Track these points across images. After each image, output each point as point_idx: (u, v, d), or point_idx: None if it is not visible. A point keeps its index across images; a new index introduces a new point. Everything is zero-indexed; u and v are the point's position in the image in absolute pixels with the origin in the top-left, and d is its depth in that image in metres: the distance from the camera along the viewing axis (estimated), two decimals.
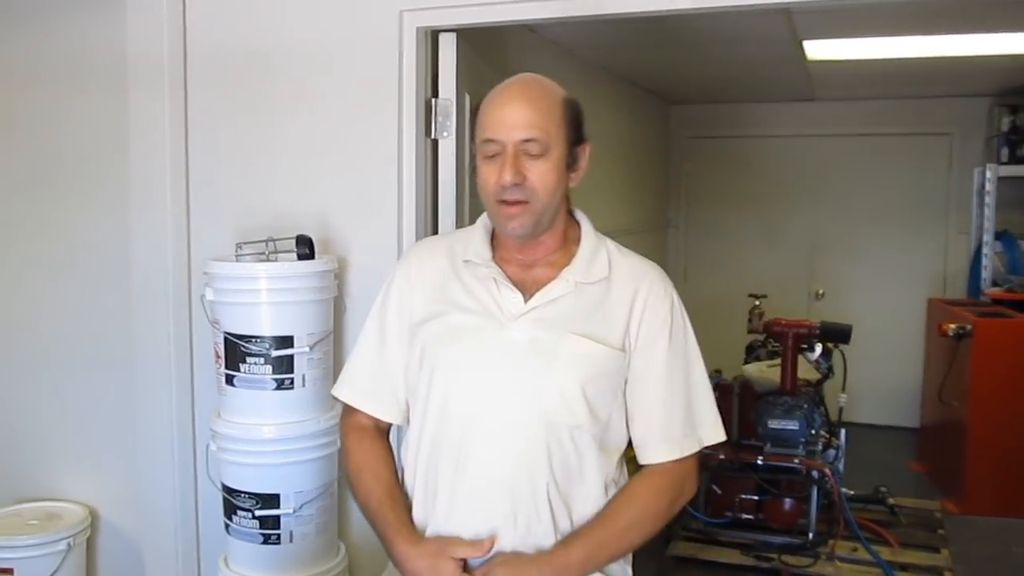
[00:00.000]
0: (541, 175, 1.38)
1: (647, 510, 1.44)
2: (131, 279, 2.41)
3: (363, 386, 1.53)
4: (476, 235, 1.49)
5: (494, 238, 1.49)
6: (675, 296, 1.47)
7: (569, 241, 1.48)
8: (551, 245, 1.46)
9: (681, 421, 1.45)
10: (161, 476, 2.44)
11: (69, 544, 2.50)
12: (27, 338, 2.69)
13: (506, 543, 1.38)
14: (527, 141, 1.37)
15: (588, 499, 1.41)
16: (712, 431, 1.48)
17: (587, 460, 1.40)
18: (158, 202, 2.36)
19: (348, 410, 1.55)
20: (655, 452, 1.44)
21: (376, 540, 1.44)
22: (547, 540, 1.38)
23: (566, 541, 1.39)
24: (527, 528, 1.38)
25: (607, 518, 1.42)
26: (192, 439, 2.42)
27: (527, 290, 1.42)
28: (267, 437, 2.07)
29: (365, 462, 1.49)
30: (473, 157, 1.51)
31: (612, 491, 1.45)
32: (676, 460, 1.45)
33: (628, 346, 1.42)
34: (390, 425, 1.55)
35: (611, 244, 1.50)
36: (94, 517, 2.65)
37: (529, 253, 1.46)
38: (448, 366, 1.42)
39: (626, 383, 1.43)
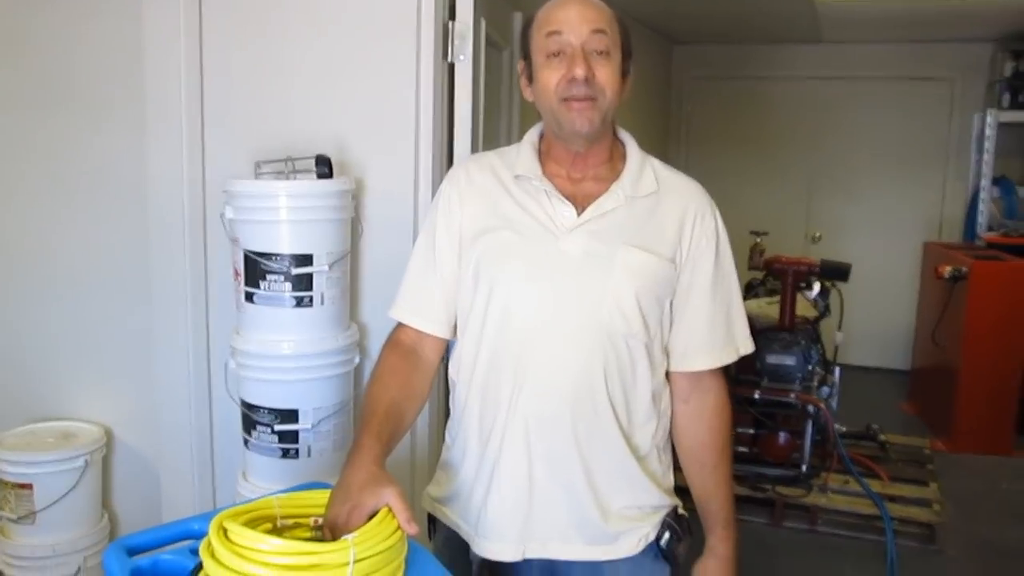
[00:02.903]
0: (608, 74, 1.40)
1: (724, 432, 1.55)
2: (146, 199, 2.42)
3: (409, 300, 1.54)
4: (524, 151, 1.50)
5: (541, 154, 1.51)
6: (718, 213, 1.52)
7: (615, 158, 1.50)
8: (600, 157, 1.48)
9: (723, 332, 1.51)
10: (176, 395, 2.47)
11: (86, 461, 2.55)
12: (41, 260, 2.70)
13: (566, 451, 1.43)
14: (596, 32, 1.38)
15: (640, 406, 1.47)
16: (746, 342, 1.55)
17: (639, 369, 1.45)
18: (173, 123, 2.35)
19: (395, 328, 1.56)
20: (696, 360, 1.50)
21: (392, 460, 1.43)
22: (606, 445, 1.44)
23: (711, 531, 1.55)
24: (587, 434, 1.43)
25: (711, 475, 1.54)
26: (207, 358, 2.45)
27: (578, 204, 1.44)
28: (286, 353, 2.10)
29: (381, 373, 1.50)
30: (519, 75, 1.52)
31: (658, 402, 1.50)
32: (714, 370, 1.52)
33: (678, 259, 1.46)
34: (438, 349, 1.54)
35: (656, 161, 1.53)
36: (109, 437, 2.69)
37: (579, 167, 1.47)
38: (505, 280, 1.44)
39: (673, 295, 1.48)
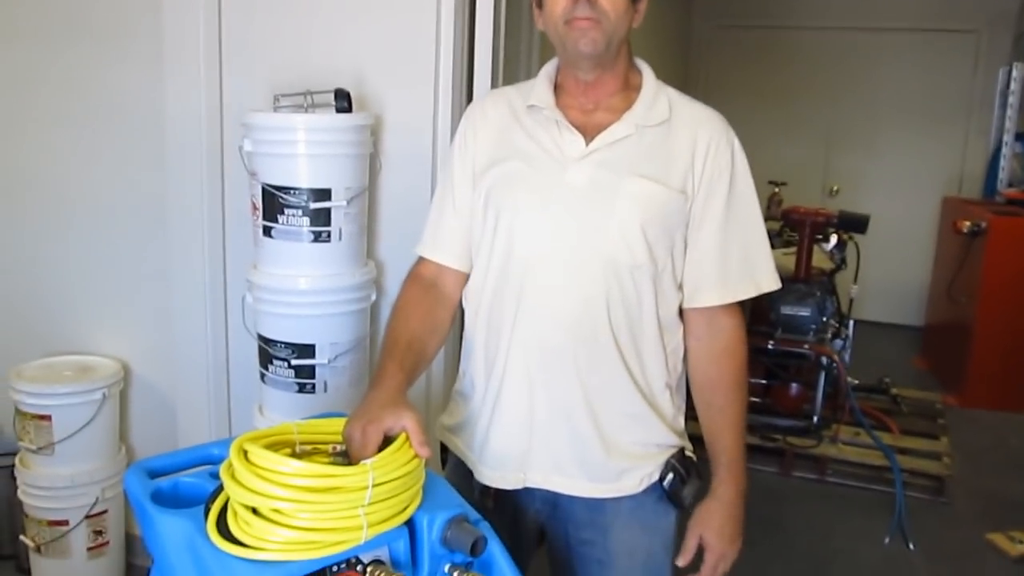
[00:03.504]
0: None
1: (734, 374, 1.51)
2: (164, 132, 2.41)
3: (429, 234, 1.56)
4: (539, 83, 1.49)
5: (556, 87, 1.49)
6: (736, 142, 1.48)
7: (630, 88, 1.48)
8: (611, 87, 1.46)
9: (738, 266, 1.47)
10: (193, 329, 2.48)
11: (104, 395, 2.57)
12: (59, 194, 2.70)
13: (566, 381, 1.43)
14: None
15: (646, 340, 1.45)
16: (769, 277, 1.50)
17: (645, 302, 1.43)
18: (191, 55, 2.33)
19: (416, 262, 1.57)
20: (707, 296, 1.47)
21: (408, 392, 1.43)
22: (609, 378, 1.43)
23: (715, 473, 1.52)
24: (589, 366, 1.42)
25: (718, 416, 1.52)
26: (224, 292, 2.45)
27: (588, 134, 1.43)
28: (303, 288, 2.10)
29: (403, 306, 1.51)
30: (531, 3, 1.49)
31: (667, 337, 1.48)
32: (728, 305, 1.48)
33: (689, 190, 1.43)
34: (458, 283, 1.55)
35: (672, 90, 1.50)
36: (126, 371, 2.71)
37: (591, 97, 1.45)
38: (511, 210, 1.44)
39: (685, 227, 1.45)
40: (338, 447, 1.30)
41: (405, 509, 1.21)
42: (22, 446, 2.58)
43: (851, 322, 4.19)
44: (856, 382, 4.22)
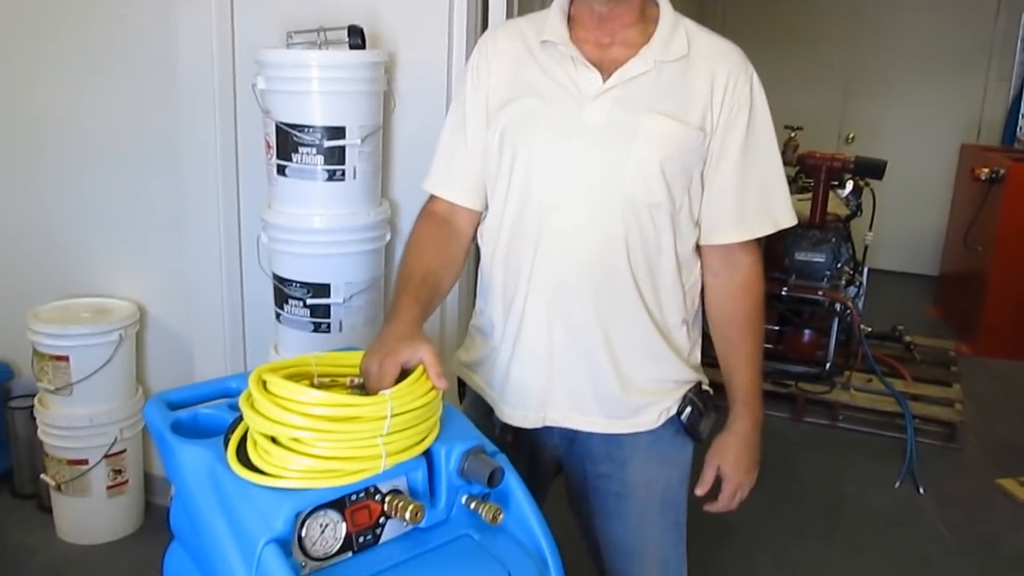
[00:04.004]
0: None
1: (751, 310, 1.53)
2: (176, 72, 2.39)
3: (440, 171, 1.54)
4: (553, 16, 1.45)
5: (570, 20, 1.46)
6: (755, 76, 1.45)
7: (647, 20, 1.44)
8: (627, 19, 1.42)
9: (755, 203, 1.46)
10: (208, 270, 2.48)
11: (120, 336, 2.59)
12: (72, 135, 2.69)
13: (585, 320, 1.42)
14: None
15: (664, 278, 1.45)
16: (786, 214, 1.49)
17: (664, 239, 1.42)
18: None
19: (428, 200, 1.56)
20: (724, 233, 1.46)
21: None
22: (627, 316, 1.43)
23: (731, 408, 1.54)
24: (608, 304, 1.42)
25: (734, 352, 1.53)
26: (238, 233, 2.45)
27: (605, 70, 1.40)
28: (317, 227, 2.10)
29: (416, 241, 1.51)
30: None
31: (684, 274, 1.47)
32: (745, 241, 1.47)
33: (708, 127, 1.41)
34: (471, 220, 1.54)
35: (690, 23, 1.46)
36: (142, 313, 2.73)
37: (606, 31, 1.42)
38: (527, 149, 1.42)
39: (703, 164, 1.43)
40: (355, 380, 1.31)
41: (423, 440, 1.22)
42: (41, 387, 2.61)
43: (865, 269, 4.17)
44: (869, 329, 4.21)
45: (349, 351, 1.37)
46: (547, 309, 1.44)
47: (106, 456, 2.62)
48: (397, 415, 1.16)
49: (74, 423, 2.58)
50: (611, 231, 1.40)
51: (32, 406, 2.69)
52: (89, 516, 2.68)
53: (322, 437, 1.12)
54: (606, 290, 1.42)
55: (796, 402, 3.85)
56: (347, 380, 1.31)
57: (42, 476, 2.68)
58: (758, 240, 1.51)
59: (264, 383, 1.17)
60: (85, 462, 2.61)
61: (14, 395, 2.95)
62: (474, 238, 1.56)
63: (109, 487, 2.67)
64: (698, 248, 1.50)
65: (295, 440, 1.13)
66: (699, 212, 1.47)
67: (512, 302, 1.47)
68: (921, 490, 3.26)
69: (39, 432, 2.64)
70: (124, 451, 2.67)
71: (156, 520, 2.78)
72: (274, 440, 1.14)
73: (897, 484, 3.30)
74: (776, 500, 3.08)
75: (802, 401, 3.85)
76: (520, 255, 1.45)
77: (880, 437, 3.71)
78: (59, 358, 2.55)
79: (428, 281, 1.43)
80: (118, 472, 2.67)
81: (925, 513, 3.13)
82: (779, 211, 1.49)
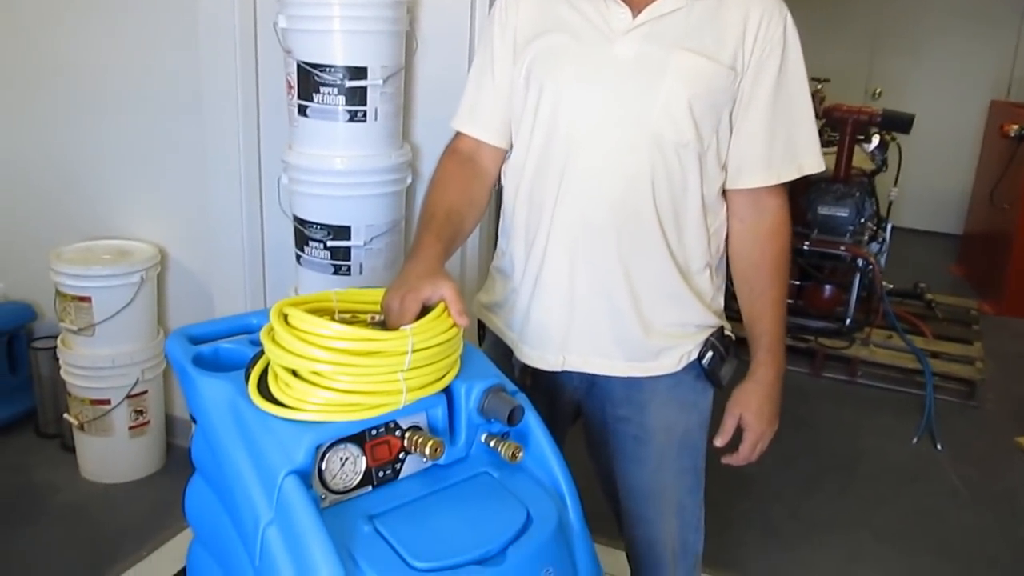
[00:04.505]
0: None
1: (777, 256, 1.49)
2: (197, 11, 2.35)
3: (466, 108, 1.53)
4: None
5: None
6: (788, 16, 1.41)
7: None
8: None
9: (783, 147, 1.42)
10: (229, 213, 2.48)
11: (142, 278, 2.60)
12: (92, 78, 2.67)
13: (608, 260, 1.41)
14: None
15: (689, 221, 1.43)
16: (814, 159, 1.46)
17: (690, 181, 1.40)
18: None
19: (453, 137, 1.55)
20: (751, 177, 1.44)
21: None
22: (651, 258, 1.42)
23: (754, 355, 1.50)
24: (632, 245, 1.40)
25: (759, 299, 1.50)
26: (259, 174, 2.44)
27: (635, 7, 1.37)
28: (338, 169, 2.09)
29: (440, 179, 1.50)
30: None
31: (709, 218, 1.45)
32: (773, 186, 1.45)
33: (739, 67, 1.38)
34: (496, 159, 1.53)
35: None
36: (163, 256, 2.73)
37: None
38: (554, 85, 1.40)
39: (733, 105, 1.40)
40: (376, 317, 1.31)
41: (443, 377, 1.22)
42: (63, 327, 2.63)
43: (889, 225, 4.12)
44: (891, 286, 4.16)
45: (370, 289, 1.37)
46: (569, 248, 1.42)
47: (128, 396, 2.65)
48: (418, 351, 1.16)
49: (97, 363, 2.60)
50: (637, 170, 1.37)
51: (55, 346, 2.71)
52: (111, 455, 2.72)
53: (343, 371, 1.12)
54: (630, 230, 1.40)
55: (815, 357, 3.84)
56: (368, 317, 1.31)
57: (65, 416, 2.72)
58: (785, 185, 1.48)
59: (286, 317, 1.17)
60: (107, 402, 2.64)
61: (37, 336, 2.99)
62: (498, 178, 1.55)
63: (131, 427, 2.70)
64: (724, 193, 1.48)
65: (316, 373, 1.13)
66: (726, 154, 1.44)
67: (534, 241, 1.46)
68: (938, 446, 3.25)
69: (62, 372, 2.67)
70: (146, 392, 2.70)
71: (177, 461, 2.82)
72: (295, 374, 1.14)
73: (915, 440, 3.29)
74: (792, 453, 3.08)
75: (821, 356, 3.83)
76: (544, 193, 1.43)
77: (898, 393, 3.69)
78: (82, 299, 2.57)
79: (451, 219, 1.43)
80: (140, 413, 2.70)
81: (942, 468, 3.13)
82: (806, 156, 1.45)
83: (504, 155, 1.52)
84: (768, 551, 2.58)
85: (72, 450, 2.79)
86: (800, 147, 1.44)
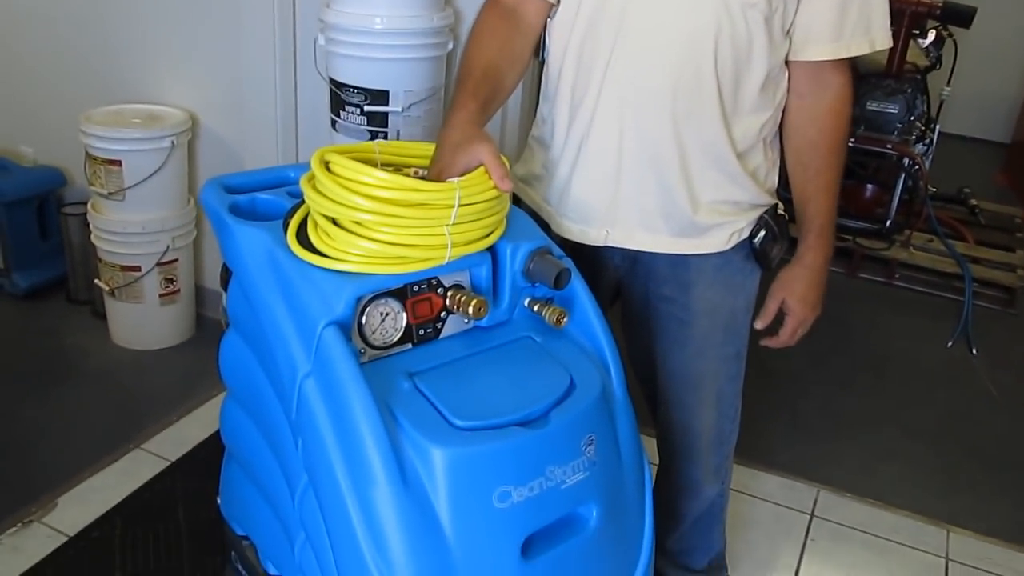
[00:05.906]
0: None
1: (836, 136, 1.42)
2: None
3: None
4: None
5: None
6: None
7: None
8: None
9: (856, 16, 1.32)
10: (262, 78, 2.39)
11: (172, 143, 2.55)
12: None
13: (660, 128, 1.33)
14: None
15: (749, 91, 1.34)
16: (886, 35, 1.36)
17: (756, 46, 1.30)
18: None
19: None
20: (817, 49, 1.34)
21: None
22: (705, 128, 1.34)
23: (803, 239, 1.45)
24: (687, 113, 1.32)
25: (813, 179, 1.43)
26: (293, 34, 2.35)
27: None
28: (378, 29, 2.00)
29: (479, 33, 1.40)
30: None
31: (771, 91, 1.37)
32: (839, 61, 1.36)
33: None
34: (540, 12, 1.42)
35: None
36: (195, 122, 2.66)
37: None
38: None
39: None
40: (420, 171, 1.25)
41: (490, 235, 1.18)
42: (93, 191, 2.60)
43: (937, 127, 3.97)
44: (934, 190, 4.04)
45: (415, 143, 1.31)
46: (619, 112, 1.34)
47: (158, 264, 2.63)
48: (464, 205, 1.11)
49: (127, 229, 2.57)
50: (700, 29, 1.28)
51: (85, 213, 2.69)
52: (142, 322, 2.72)
53: (386, 221, 1.07)
54: (686, 95, 1.31)
55: (852, 257, 3.75)
56: (411, 171, 1.25)
57: (96, 281, 2.71)
58: (848, 61, 1.39)
59: (327, 164, 1.12)
60: (138, 268, 2.62)
61: (68, 202, 2.96)
62: (542, 34, 1.45)
63: (161, 295, 2.69)
64: (786, 64, 1.39)
65: (357, 223, 1.08)
66: (792, 22, 1.34)
67: (581, 104, 1.37)
68: (974, 351, 3.20)
69: (92, 237, 2.65)
70: (176, 260, 2.68)
71: (207, 331, 2.82)
72: (335, 223, 1.10)
73: (949, 343, 3.24)
74: (825, 350, 3.04)
75: (858, 256, 3.75)
76: (595, 51, 1.33)
77: (936, 297, 3.62)
78: (112, 162, 2.52)
79: (489, 76, 1.34)
80: (170, 281, 2.69)
81: (975, 372, 3.08)
82: (876, 29, 1.35)
83: (550, 9, 1.42)
84: (795, 444, 2.57)
85: (103, 316, 2.80)
86: (874, 19, 1.34)
